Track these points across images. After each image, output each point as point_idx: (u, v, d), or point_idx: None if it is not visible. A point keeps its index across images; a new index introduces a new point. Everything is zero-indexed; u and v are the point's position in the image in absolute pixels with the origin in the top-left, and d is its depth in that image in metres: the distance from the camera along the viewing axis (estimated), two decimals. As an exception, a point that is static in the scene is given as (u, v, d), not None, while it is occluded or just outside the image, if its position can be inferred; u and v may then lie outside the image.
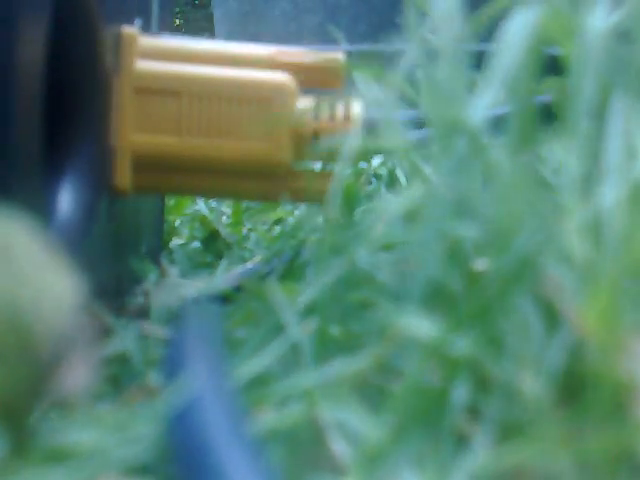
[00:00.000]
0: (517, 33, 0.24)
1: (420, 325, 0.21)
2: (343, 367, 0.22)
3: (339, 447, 0.20)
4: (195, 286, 0.35)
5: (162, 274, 0.41)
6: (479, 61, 0.25)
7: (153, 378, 0.27)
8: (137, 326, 0.31)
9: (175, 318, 0.31)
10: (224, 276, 0.37)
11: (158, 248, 0.44)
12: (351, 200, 0.32)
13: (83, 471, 0.20)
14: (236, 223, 0.54)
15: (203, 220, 0.52)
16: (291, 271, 0.36)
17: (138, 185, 0.35)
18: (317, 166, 0.39)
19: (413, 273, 0.23)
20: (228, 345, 0.28)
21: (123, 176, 0.35)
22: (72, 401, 0.22)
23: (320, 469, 0.21)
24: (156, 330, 0.31)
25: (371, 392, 0.22)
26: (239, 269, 0.40)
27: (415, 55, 0.26)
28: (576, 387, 0.20)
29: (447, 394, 0.20)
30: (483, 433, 0.20)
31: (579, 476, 0.19)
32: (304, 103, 0.36)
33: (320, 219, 0.42)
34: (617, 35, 0.25)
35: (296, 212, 0.54)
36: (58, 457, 0.21)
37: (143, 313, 0.35)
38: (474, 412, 0.20)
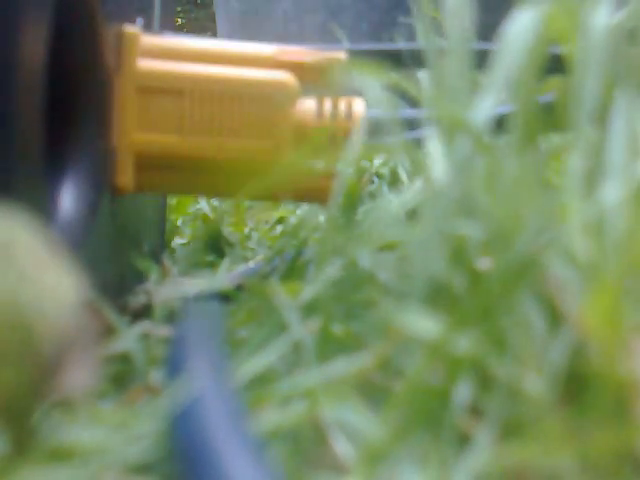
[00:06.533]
0: (520, 32, 0.24)
1: (422, 324, 0.21)
2: (345, 366, 0.22)
3: (341, 446, 0.20)
4: (197, 285, 0.35)
5: (164, 273, 0.41)
6: (483, 60, 0.25)
7: (155, 377, 0.27)
8: (139, 325, 0.31)
9: (177, 317, 0.31)
10: (226, 275, 0.37)
11: (160, 247, 0.44)
12: (353, 199, 0.32)
13: (85, 470, 0.20)
14: (238, 222, 0.54)
15: (205, 219, 0.52)
16: (293, 270, 0.36)
17: (140, 184, 0.35)
18: (319, 165, 0.39)
19: (415, 272, 0.23)
20: (230, 344, 0.28)
21: (125, 175, 0.35)
22: (74, 400, 0.22)
23: (322, 468, 0.20)
24: (158, 329, 0.31)
25: (373, 391, 0.22)
26: (241, 268, 0.40)
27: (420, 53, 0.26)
28: (578, 386, 0.20)
29: (449, 393, 0.20)
30: (485, 432, 0.20)
31: (581, 475, 0.19)
32: (306, 102, 0.36)
33: (322, 218, 0.42)
34: (621, 34, 0.24)
35: (298, 211, 0.54)
36: (60, 456, 0.21)
37: (145, 312, 0.35)
38: (476, 411, 0.20)
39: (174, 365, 0.25)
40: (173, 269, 0.43)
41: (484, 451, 0.19)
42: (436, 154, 0.25)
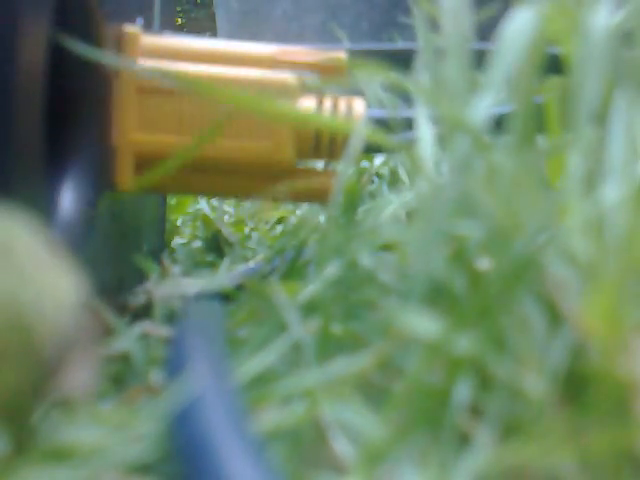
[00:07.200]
0: (519, 32, 0.24)
1: (422, 324, 0.21)
2: (345, 366, 0.22)
3: (341, 446, 0.20)
4: (197, 285, 0.35)
5: (164, 273, 0.41)
6: (481, 60, 0.25)
7: (155, 377, 0.27)
8: (139, 325, 0.31)
9: (177, 317, 0.31)
10: (226, 275, 0.37)
11: (160, 247, 0.44)
12: (353, 199, 0.32)
13: (85, 470, 0.20)
14: (238, 222, 0.54)
15: (205, 219, 0.52)
16: (293, 270, 0.36)
17: (140, 184, 0.35)
18: (319, 165, 0.39)
19: (415, 272, 0.23)
20: (230, 344, 0.28)
21: (125, 175, 0.35)
22: (74, 400, 0.22)
23: (322, 468, 0.20)
24: (158, 329, 0.31)
25: (373, 391, 0.22)
26: (241, 268, 0.40)
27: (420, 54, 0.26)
28: (578, 386, 0.20)
29: (449, 393, 0.20)
30: (485, 432, 0.20)
31: (581, 475, 0.19)
32: (306, 102, 0.36)
33: (322, 218, 0.42)
34: (620, 35, 0.24)
35: (298, 211, 0.54)
36: (60, 456, 0.21)
37: (145, 312, 0.35)
38: (476, 411, 0.20)
39: (174, 365, 0.25)
40: (173, 269, 0.43)
41: (484, 451, 0.19)
42: (435, 154, 0.25)
